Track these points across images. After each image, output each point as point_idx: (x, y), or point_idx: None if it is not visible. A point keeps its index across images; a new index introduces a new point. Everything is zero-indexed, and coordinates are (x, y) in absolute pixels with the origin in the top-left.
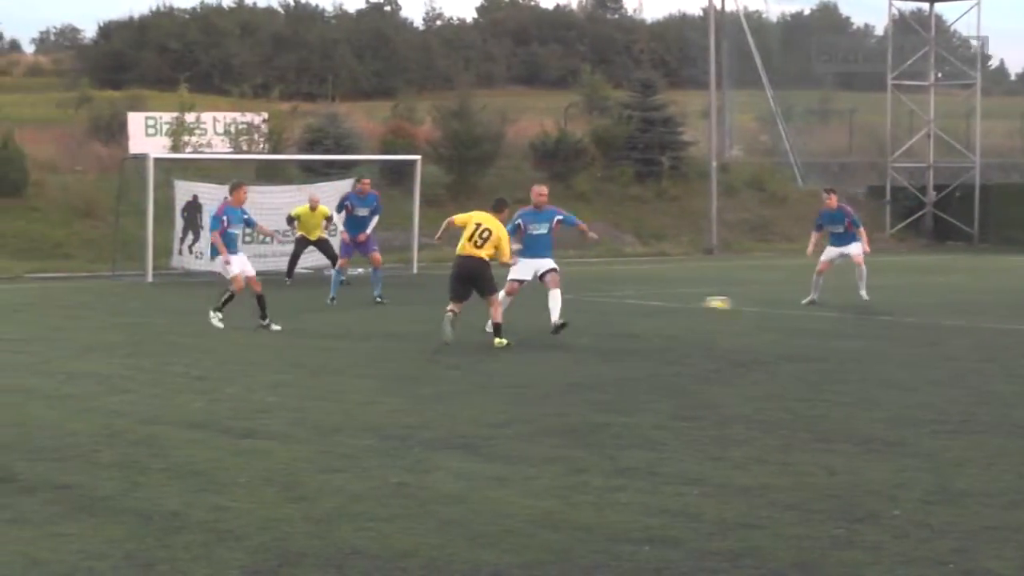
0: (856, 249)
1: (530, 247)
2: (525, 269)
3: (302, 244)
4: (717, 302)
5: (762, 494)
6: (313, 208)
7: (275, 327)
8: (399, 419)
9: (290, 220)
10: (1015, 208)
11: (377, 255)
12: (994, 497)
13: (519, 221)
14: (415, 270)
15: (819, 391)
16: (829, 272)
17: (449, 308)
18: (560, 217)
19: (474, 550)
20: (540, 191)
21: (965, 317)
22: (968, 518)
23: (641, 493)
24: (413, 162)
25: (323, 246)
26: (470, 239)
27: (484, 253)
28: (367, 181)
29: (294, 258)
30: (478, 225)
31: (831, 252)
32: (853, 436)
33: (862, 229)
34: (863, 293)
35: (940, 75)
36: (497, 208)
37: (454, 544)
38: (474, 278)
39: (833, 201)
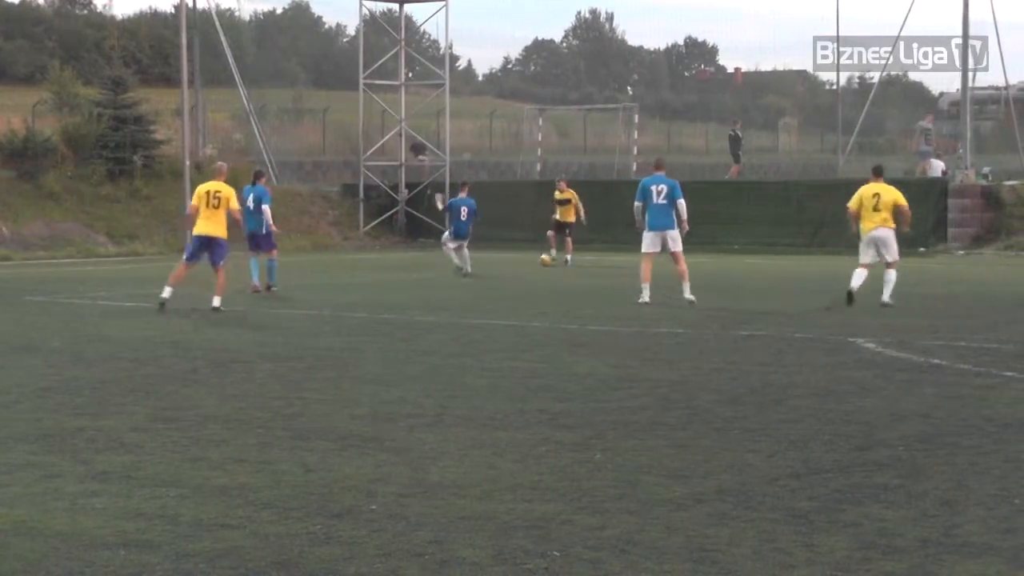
0: None
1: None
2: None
3: None
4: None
5: (240, 494)
6: None
7: None
8: None
9: None
10: (480, 205)
11: None
12: (467, 488)
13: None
14: None
15: (297, 389)
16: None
17: None
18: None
19: None
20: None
21: (438, 312)
22: (443, 509)
23: (117, 497)
24: None
25: None
26: None
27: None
28: None
29: None
30: None
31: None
32: (330, 432)
33: None
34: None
35: (411, 75)
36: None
37: None
38: None
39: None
